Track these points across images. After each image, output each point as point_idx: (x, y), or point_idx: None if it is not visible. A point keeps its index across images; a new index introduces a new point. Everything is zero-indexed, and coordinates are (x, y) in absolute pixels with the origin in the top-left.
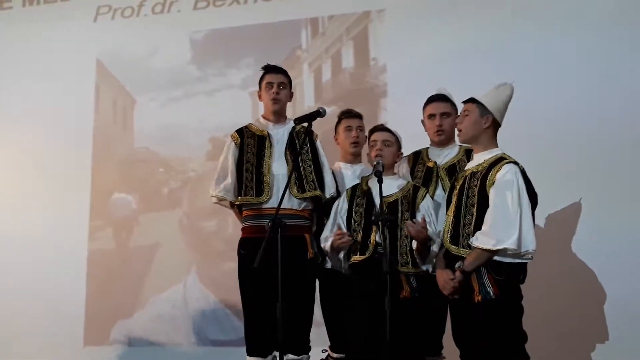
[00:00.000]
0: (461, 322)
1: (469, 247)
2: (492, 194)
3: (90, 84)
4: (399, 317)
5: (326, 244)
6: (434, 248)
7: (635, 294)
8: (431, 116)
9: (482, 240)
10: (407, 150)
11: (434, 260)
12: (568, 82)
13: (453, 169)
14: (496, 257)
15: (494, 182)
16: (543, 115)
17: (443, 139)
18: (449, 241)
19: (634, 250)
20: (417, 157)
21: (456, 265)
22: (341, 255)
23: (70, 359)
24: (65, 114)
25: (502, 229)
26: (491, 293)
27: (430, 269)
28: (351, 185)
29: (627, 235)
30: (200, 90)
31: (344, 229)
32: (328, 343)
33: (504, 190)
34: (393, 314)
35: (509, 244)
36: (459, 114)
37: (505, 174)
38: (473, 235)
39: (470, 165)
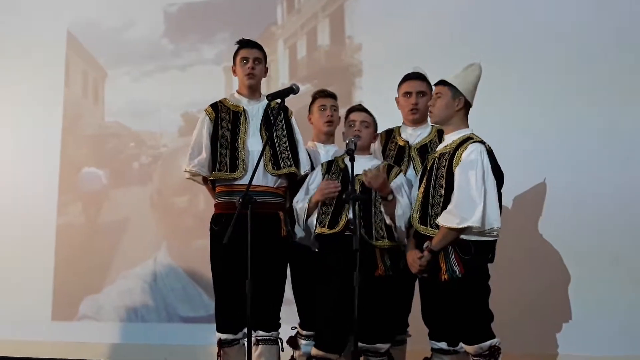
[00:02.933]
0: (432, 300)
1: (437, 226)
2: (457, 173)
3: (61, 56)
4: (372, 295)
5: (303, 203)
6: (399, 212)
7: (599, 275)
8: (407, 94)
9: (447, 218)
10: (379, 129)
11: (403, 228)
12: (542, 63)
13: (425, 149)
14: (463, 236)
15: (459, 162)
16: (516, 96)
17: (417, 117)
18: (418, 221)
19: (599, 232)
20: (389, 136)
21: (424, 245)
22: (312, 220)
23: (37, 333)
24: (34, 86)
25: (465, 208)
26: (457, 272)
27: (401, 238)
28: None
29: (592, 217)
30: (173, 64)
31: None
32: (297, 320)
33: (468, 169)
34: (366, 291)
35: (472, 222)
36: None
37: (470, 154)
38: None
39: (440, 147)
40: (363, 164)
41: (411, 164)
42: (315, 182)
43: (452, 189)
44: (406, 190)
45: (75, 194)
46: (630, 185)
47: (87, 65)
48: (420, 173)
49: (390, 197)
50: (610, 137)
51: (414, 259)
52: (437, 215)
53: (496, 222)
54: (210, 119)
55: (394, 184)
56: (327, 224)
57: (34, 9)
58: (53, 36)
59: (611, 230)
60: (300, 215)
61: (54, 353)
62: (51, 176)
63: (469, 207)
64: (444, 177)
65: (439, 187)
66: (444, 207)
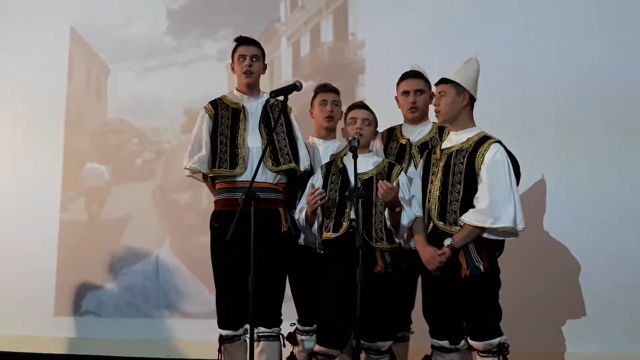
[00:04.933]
0: (438, 298)
1: (456, 223)
2: (484, 173)
3: (64, 52)
4: (372, 292)
5: (300, 215)
6: (404, 222)
7: (606, 272)
8: (405, 93)
9: (479, 218)
10: (383, 126)
11: (405, 235)
12: (544, 60)
13: (425, 147)
14: (484, 234)
15: (482, 161)
16: (519, 91)
17: (417, 115)
18: (437, 218)
19: (604, 229)
20: (391, 134)
21: (445, 242)
22: (315, 227)
23: (40, 328)
24: (37, 82)
25: (499, 208)
26: (481, 268)
27: (402, 243)
28: (325, 162)
29: (596, 214)
30: (176, 61)
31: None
32: (296, 317)
33: (497, 170)
34: (366, 289)
35: (506, 222)
36: (432, 91)
37: (495, 154)
38: (459, 212)
39: (452, 143)
40: (363, 162)
41: (412, 161)
42: (317, 185)
43: (471, 186)
44: (407, 190)
45: (78, 190)
46: (633, 179)
47: (90, 61)
48: (422, 168)
49: (397, 209)
50: (613, 130)
51: (433, 256)
52: (455, 212)
53: (522, 223)
54: (209, 116)
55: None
56: (331, 228)
57: (37, 5)
58: (56, 32)
59: (616, 227)
60: (301, 226)
61: (55, 348)
62: (54, 172)
63: (502, 208)
64: (463, 174)
65: (456, 184)
66: (462, 204)
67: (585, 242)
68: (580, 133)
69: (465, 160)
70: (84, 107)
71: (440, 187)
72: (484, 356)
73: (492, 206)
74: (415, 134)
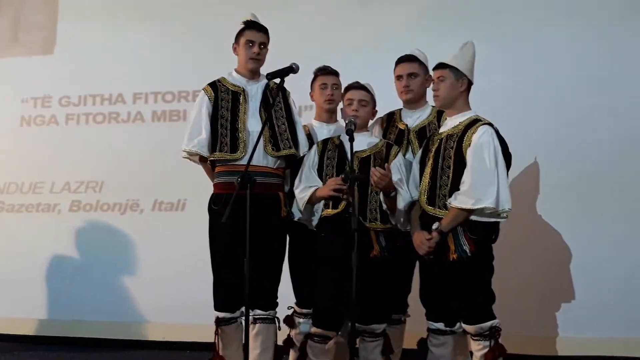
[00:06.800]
0: (433, 281)
1: (445, 207)
2: (469, 155)
3: None
4: (368, 276)
5: (305, 193)
6: (400, 205)
7: (600, 256)
8: (399, 77)
9: (461, 200)
10: (381, 110)
11: (402, 218)
12: (543, 44)
13: (423, 132)
14: (472, 217)
15: (470, 144)
16: (513, 75)
17: (410, 97)
18: (426, 202)
19: (598, 213)
20: (391, 119)
21: (433, 226)
22: (320, 204)
23: (35, 312)
24: None
25: (480, 189)
26: (467, 251)
27: (399, 226)
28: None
29: (590, 195)
30: None
31: (317, 181)
32: (293, 300)
33: (481, 151)
34: (362, 272)
35: (488, 203)
36: (430, 75)
37: (482, 136)
38: (449, 196)
39: (445, 128)
40: (360, 142)
41: (409, 147)
42: (314, 163)
43: (460, 170)
44: (404, 172)
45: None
46: (629, 164)
47: None
48: (421, 154)
49: (392, 194)
50: (612, 116)
51: (422, 241)
52: (444, 196)
53: (507, 204)
54: (209, 98)
55: (393, 165)
56: (330, 205)
57: None
58: None
59: (610, 211)
60: (300, 203)
61: (48, 331)
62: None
63: (484, 189)
64: (452, 158)
65: (446, 168)
66: (452, 188)
67: (579, 226)
68: (578, 117)
69: (454, 144)
70: None
71: (430, 173)
72: (476, 339)
73: (474, 187)
74: (414, 118)
